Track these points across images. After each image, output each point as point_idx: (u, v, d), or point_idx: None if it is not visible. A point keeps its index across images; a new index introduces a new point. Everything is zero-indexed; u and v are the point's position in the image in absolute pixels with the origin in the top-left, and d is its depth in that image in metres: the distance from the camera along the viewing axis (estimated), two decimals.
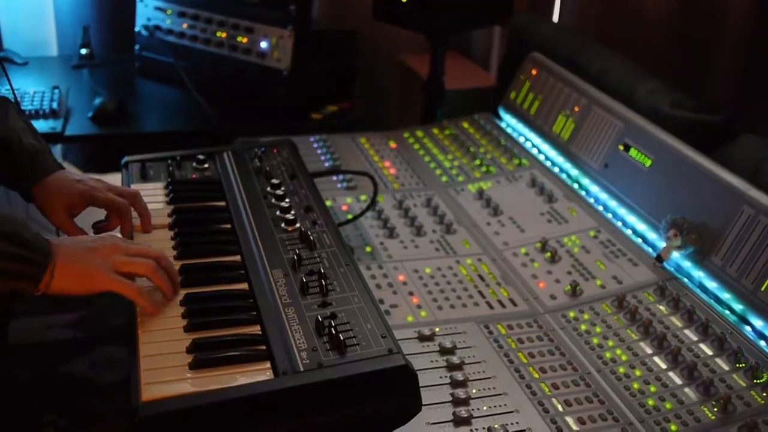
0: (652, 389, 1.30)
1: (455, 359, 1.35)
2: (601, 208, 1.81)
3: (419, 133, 2.21)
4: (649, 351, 1.38)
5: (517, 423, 1.23)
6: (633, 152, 1.77)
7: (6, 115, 1.48)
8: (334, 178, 1.94)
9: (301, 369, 1.10)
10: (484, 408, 1.26)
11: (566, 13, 2.83)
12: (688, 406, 1.26)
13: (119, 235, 1.38)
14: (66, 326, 1.60)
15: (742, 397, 1.26)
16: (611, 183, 1.81)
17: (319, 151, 2.07)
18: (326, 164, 2.01)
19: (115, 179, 1.73)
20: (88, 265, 1.19)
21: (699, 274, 1.54)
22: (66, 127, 2.36)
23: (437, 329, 1.43)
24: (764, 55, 2.21)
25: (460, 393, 1.27)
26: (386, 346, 1.14)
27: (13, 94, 1.66)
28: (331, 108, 2.61)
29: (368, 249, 1.67)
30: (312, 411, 1.08)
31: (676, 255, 1.57)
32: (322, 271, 1.30)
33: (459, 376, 1.31)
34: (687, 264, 1.56)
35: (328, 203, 1.79)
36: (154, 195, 1.57)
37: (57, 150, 2.84)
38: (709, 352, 1.36)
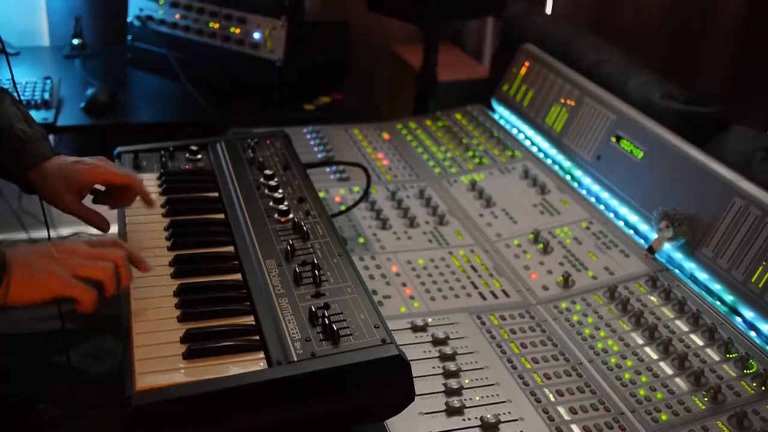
0: (643, 379, 1.31)
1: (448, 350, 1.36)
2: (593, 199, 1.82)
3: (412, 125, 2.21)
4: (640, 341, 1.39)
5: (509, 413, 1.24)
6: (625, 144, 1.78)
7: (0, 104, 1.47)
8: (327, 169, 1.95)
9: (295, 359, 1.10)
10: (477, 398, 1.27)
11: (559, 5, 2.83)
12: (679, 395, 1.27)
13: (79, 240, 1.31)
14: (58, 317, 1.60)
15: (732, 387, 1.28)
16: (603, 175, 1.81)
17: (312, 143, 2.07)
18: (319, 155, 2.02)
19: None
20: (44, 272, 1.15)
21: (690, 266, 1.55)
22: (58, 118, 2.35)
23: (430, 320, 1.44)
24: (756, 46, 2.22)
25: (453, 383, 1.28)
26: (379, 336, 1.15)
27: (13, 82, 1.65)
28: (324, 99, 2.61)
29: (361, 240, 1.68)
30: (305, 401, 1.09)
31: (667, 246, 1.58)
32: (316, 261, 1.30)
33: (452, 366, 1.32)
34: (678, 255, 1.57)
35: (321, 194, 1.79)
36: (147, 186, 1.56)
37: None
38: (700, 343, 1.37)
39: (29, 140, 1.44)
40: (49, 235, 1.61)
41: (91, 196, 1.44)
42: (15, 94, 1.56)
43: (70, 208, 1.40)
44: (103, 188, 1.43)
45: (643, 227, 1.67)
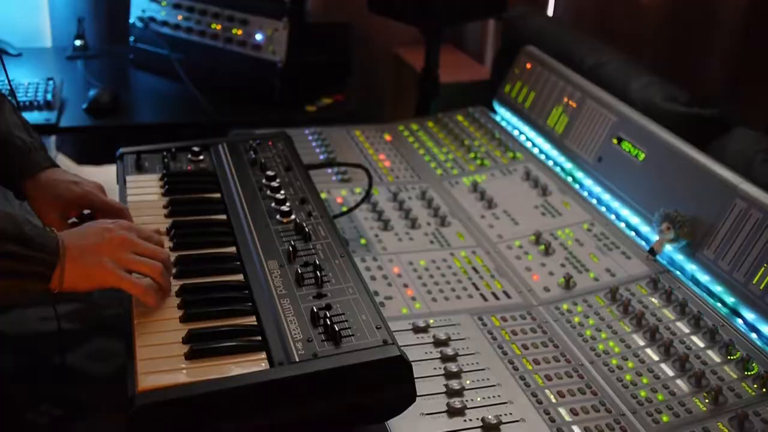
0: (645, 381, 1.31)
1: (449, 351, 1.36)
2: (594, 201, 1.82)
3: (414, 126, 2.21)
4: (641, 343, 1.39)
5: (510, 414, 1.24)
6: (627, 146, 1.78)
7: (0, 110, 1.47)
8: (329, 170, 1.95)
9: (297, 359, 1.10)
10: (478, 399, 1.27)
11: (560, 7, 2.83)
12: (680, 397, 1.27)
13: (127, 222, 1.33)
14: (61, 317, 1.60)
15: (733, 389, 1.28)
16: (605, 176, 1.82)
17: (314, 144, 2.08)
18: (321, 156, 2.02)
19: (109, 171, 1.73)
20: (95, 264, 1.18)
21: (691, 267, 1.55)
22: (60, 119, 2.35)
23: (431, 321, 1.44)
24: (758, 48, 2.22)
25: (454, 384, 1.28)
26: (381, 337, 1.15)
27: (10, 86, 1.65)
28: (325, 100, 2.61)
29: (363, 241, 1.68)
30: (307, 401, 1.09)
31: (668, 248, 1.58)
32: (317, 262, 1.30)
33: (453, 367, 1.32)
34: (679, 257, 1.57)
35: (323, 195, 1.79)
36: (149, 187, 1.58)
37: (51, 142, 2.84)
38: (701, 344, 1.37)
39: (27, 149, 1.44)
40: None
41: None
42: (13, 97, 1.56)
43: (53, 225, 1.39)
44: (87, 212, 1.43)
45: (645, 229, 1.67)
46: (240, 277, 1.31)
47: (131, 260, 1.21)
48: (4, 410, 1.40)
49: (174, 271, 1.31)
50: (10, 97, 1.56)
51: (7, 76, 1.66)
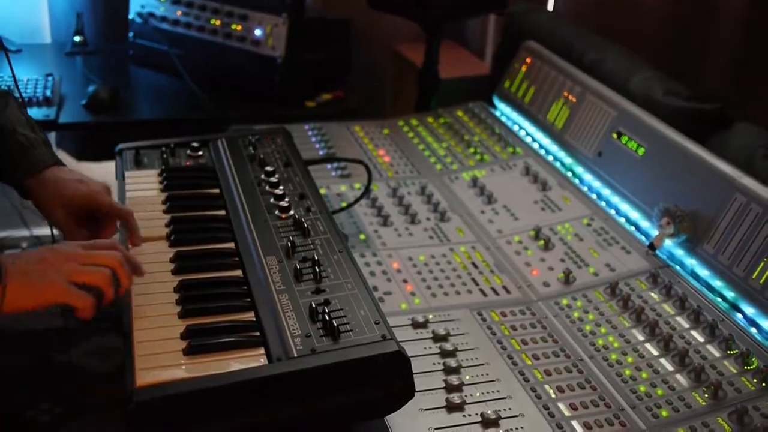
0: (644, 376, 1.31)
1: (448, 346, 1.36)
2: (594, 196, 1.82)
3: (414, 122, 2.21)
4: (641, 338, 1.39)
5: (509, 409, 1.24)
6: (627, 141, 1.78)
7: (4, 106, 1.47)
8: (329, 166, 1.95)
9: (295, 355, 1.10)
10: (477, 394, 1.27)
11: (561, 2, 2.82)
12: (680, 392, 1.27)
13: (75, 242, 1.29)
14: (59, 315, 1.60)
15: (732, 384, 1.27)
16: (605, 171, 1.81)
17: (313, 139, 2.07)
18: (320, 152, 2.02)
19: (109, 167, 1.73)
20: (39, 279, 1.13)
21: (691, 262, 1.54)
22: (59, 115, 2.35)
23: (431, 316, 1.44)
24: (759, 43, 2.22)
25: (454, 379, 1.28)
26: (380, 332, 1.15)
27: (14, 80, 1.65)
28: (325, 96, 2.61)
29: (362, 237, 1.68)
30: (305, 397, 1.09)
31: (668, 243, 1.58)
32: (316, 258, 1.30)
33: (452, 362, 1.32)
34: (679, 252, 1.57)
35: (323, 191, 1.79)
36: (148, 182, 1.58)
37: (51, 138, 2.84)
38: (701, 339, 1.37)
39: (32, 146, 1.43)
40: (52, 232, 1.61)
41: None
42: (16, 92, 1.56)
43: (60, 223, 1.39)
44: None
45: (645, 224, 1.67)
46: (238, 272, 1.31)
47: (76, 270, 1.16)
48: (3, 408, 1.40)
49: (172, 267, 1.31)
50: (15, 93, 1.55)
51: (12, 71, 1.65)
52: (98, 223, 1.44)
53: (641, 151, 1.73)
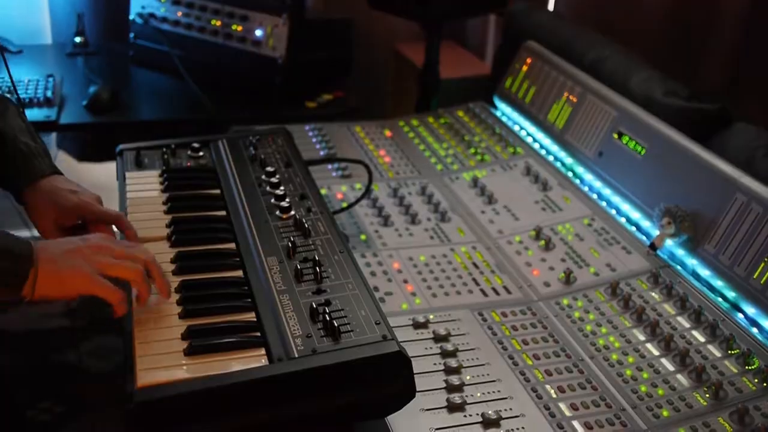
0: (645, 376, 1.31)
1: (449, 346, 1.36)
2: (595, 196, 1.82)
3: (414, 122, 2.21)
4: (642, 338, 1.39)
5: (510, 409, 1.24)
6: (627, 141, 1.78)
7: (4, 113, 1.47)
8: (329, 166, 1.95)
9: (296, 355, 1.10)
10: (478, 394, 1.27)
11: (561, 2, 2.83)
12: (681, 392, 1.27)
13: (109, 235, 1.31)
14: (61, 315, 1.60)
15: (733, 383, 1.27)
16: (605, 171, 1.81)
17: (314, 140, 2.07)
18: (321, 152, 2.02)
19: (109, 167, 1.73)
20: (70, 269, 1.14)
21: (692, 262, 1.54)
22: (60, 116, 2.35)
23: (431, 316, 1.44)
24: (759, 43, 2.22)
25: (454, 379, 1.28)
26: (380, 332, 1.15)
27: (12, 83, 1.65)
28: (326, 96, 2.61)
29: (363, 237, 1.68)
30: (306, 397, 1.09)
31: (669, 243, 1.58)
32: (317, 258, 1.30)
33: (453, 362, 1.32)
34: (680, 252, 1.57)
35: (323, 191, 1.79)
36: (149, 183, 1.58)
37: (51, 139, 2.84)
38: (702, 339, 1.37)
39: (32, 155, 1.44)
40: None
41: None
42: (14, 94, 1.56)
43: (45, 232, 1.40)
44: (79, 221, 1.42)
45: (645, 224, 1.67)
46: (239, 273, 1.31)
47: (109, 263, 1.17)
48: (4, 408, 1.40)
49: (173, 267, 1.31)
50: (12, 96, 1.55)
51: (9, 74, 1.65)
52: (87, 232, 1.44)
53: (642, 151, 1.73)
